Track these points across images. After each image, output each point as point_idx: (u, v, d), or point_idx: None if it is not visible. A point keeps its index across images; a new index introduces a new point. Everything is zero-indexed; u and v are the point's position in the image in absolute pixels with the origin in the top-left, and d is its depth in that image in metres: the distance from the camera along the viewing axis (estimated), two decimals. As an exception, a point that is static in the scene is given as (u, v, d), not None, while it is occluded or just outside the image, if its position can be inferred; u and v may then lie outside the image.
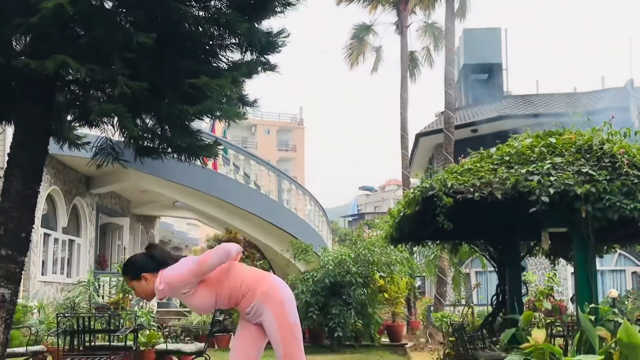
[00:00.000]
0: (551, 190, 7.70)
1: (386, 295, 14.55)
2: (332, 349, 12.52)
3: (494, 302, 12.13)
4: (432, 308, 21.91)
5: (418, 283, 23.64)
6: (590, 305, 7.33)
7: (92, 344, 8.90)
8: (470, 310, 13.39)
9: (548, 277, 13.61)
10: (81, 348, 8.69)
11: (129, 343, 9.37)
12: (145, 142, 6.87)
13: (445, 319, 13.68)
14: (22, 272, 5.70)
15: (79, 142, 7.50)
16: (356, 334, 12.99)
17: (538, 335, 7.16)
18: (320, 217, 20.36)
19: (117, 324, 9.73)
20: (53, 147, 6.97)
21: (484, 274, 22.34)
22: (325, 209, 21.37)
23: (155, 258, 4.28)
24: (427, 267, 20.37)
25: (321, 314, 12.54)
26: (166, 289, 4.17)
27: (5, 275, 5.52)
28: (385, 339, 14.58)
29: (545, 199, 7.68)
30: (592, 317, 7.17)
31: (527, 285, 13.05)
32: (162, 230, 30.52)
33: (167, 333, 13.91)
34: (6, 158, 5.83)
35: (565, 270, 21.13)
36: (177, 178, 16.52)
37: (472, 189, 8.15)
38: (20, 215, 5.66)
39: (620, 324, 6.82)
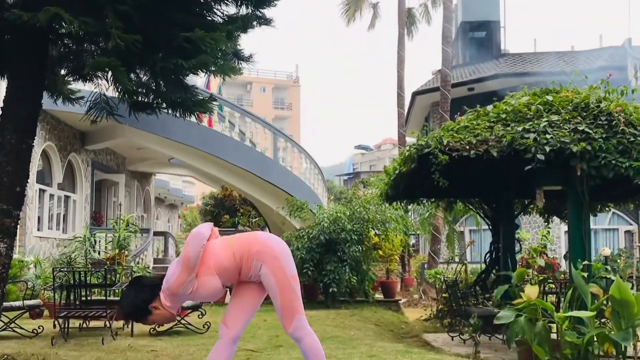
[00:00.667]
0: (547, 148, 7.71)
1: (380, 252, 14.65)
2: (327, 304, 12.64)
3: (488, 260, 12.24)
4: (425, 265, 22.09)
5: (412, 241, 23.78)
6: (583, 263, 7.39)
7: (89, 298, 8.94)
8: (464, 267, 13.51)
9: (542, 235, 13.70)
10: (77, 302, 8.73)
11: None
12: (140, 97, 6.80)
13: (438, 276, 13.80)
14: (18, 226, 5.69)
15: (73, 97, 7.42)
16: (350, 290, 13.10)
17: (531, 291, 7.22)
18: (316, 175, 20.37)
19: (113, 279, 9.79)
20: (47, 103, 6.91)
21: (478, 232, 22.44)
22: (320, 168, 21.38)
23: (146, 285, 4.29)
24: (422, 225, 20.47)
25: (316, 270, 12.63)
26: (175, 300, 4.17)
27: (0, 229, 5.51)
28: (379, 295, 14.72)
29: (541, 156, 7.69)
30: (585, 274, 7.23)
31: (521, 243, 13.14)
32: (157, 188, 30.48)
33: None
34: (-1, 112, 5.79)
35: (559, 229, 21.27)
36: (173, 135, 16.46)
37: (467, 147, 8.15)
38: (14, 169, 5.62)
39: (613, 281, 6.88)
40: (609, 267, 8.61)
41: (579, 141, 7.68)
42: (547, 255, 14.00)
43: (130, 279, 11.40)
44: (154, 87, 6.67)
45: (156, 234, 21.36)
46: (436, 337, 10.57)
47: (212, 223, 4.42)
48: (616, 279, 6.71)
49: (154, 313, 4.20)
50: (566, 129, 7.89)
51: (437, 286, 13.49)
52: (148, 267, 16.73)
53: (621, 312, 6.63)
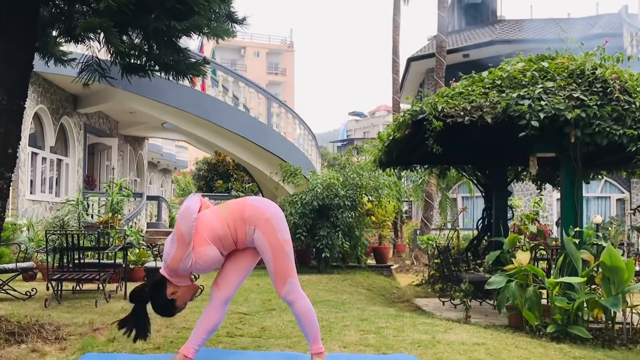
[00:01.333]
0: (541, 115, 7.69)
1: (373, 218, 14.68)
2: (319, 269, 12.70)
3: (480, 226, 12.30)
4: (418, 232, 22.20)
5: (405, 207, 23.83)
6: (575, 229, 7.42)
7: (82, 261, 8.93)
8: (456, 233, 13.57)
9: (534, 202, 13.74)
10: (70, 265, 8.74)
11: (119, 261, 9.46)
12: (132, 60, 6.72)
13: (430, 242, 13.87)
14: (10, 189, 5.66)
15: (65, 59, 7.33)
16: (343, 255, 13.16)
17: (522, 257, 7.27)
18: (310, 142, 20.32)
19: (107, 242, 9.79)
20: (39, 65, 6.82)
21: (470, 199, 22.52)
22: (314, 134, 21.30)
23: (156, 274, 4.32)
24: (415, 191, 20.54)
25: (309, 235, 12.65)
26: (180, 275, 4.21)
27: (-8, 191, 5.49)
28: (371, 261, 14.79)
29: (535, 123, 7.68)
30: (576, 241, 7.27)
31: (513, 210, 13.19)
32: (150, 152, 30.37)
33: (156, 252, 14.06)
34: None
35: (551, 197, 21.36)
36: (166, 99, 16.35)
37: (462, 113, 8.12)
38: (5, 130, 5.57)
39: (604, 248, 6.93)
40: (600, 234, 8.65)
41: (574, 108, 7.66)
42: (539, 222, 14.05)
43: (123, 243, 11.44)
44: (146, 49, 6.59)
45: (149, 198, 21.30)
46: (427, 301, 10.65)
47: (201, 194, 4.42)
48: (607, 245, 6.76)
49: (178, 297, 4.26)
50: (561, 96, 7.86)
51: (429, 252, 13.56)
52: (141, 231, 16.75)
53: (611, 279, 6.69)
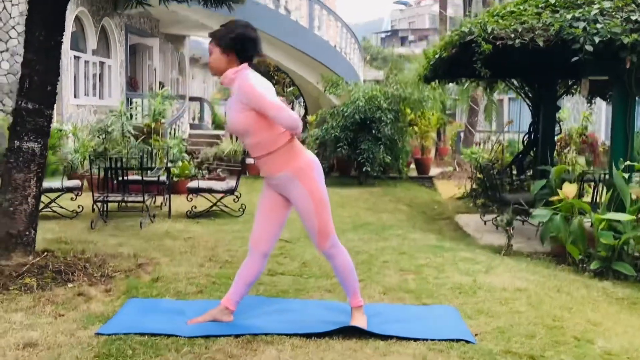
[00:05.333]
0: (596, 39, 7.31)
1: (416, 129, 14.48)
2: (360, 181, 12.70)
3: (525, 141, 12.05)
4: (462, 135, 21.92)
5: (449, 111, 23.29)
6: (625, 163, 7.18)
7: (126, 178, 9.02)
8: (500, 147, 13.33)
9: (584, 115, 13.33)
10: (115, 182, 8.86)
11: (162, 178, 9.56)
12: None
13: (474, 155, 13.67)
14: (50, 125, 5.65)
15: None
16: (384, 168, 13.09)
17: (569, 190, 7.10)
18: (352, 45, 19.83)
19: (150, 159, 9.87)
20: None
21: (516, 102, 22.00)
22: (356, 25, 20.73)
23: (251, 44, 4.08)
24: (460, 95, 20.08)
25: (350, 148, 12.56)
26: (234, 83, 4.01)
27: (33, 129, 5.46)
28: (413, 172, 14.72)
29: (589, 47, 7.31)
30: (626, 175, 7.05)
31: (561, 124, 12.83)
32: (191, 49, 30.11)
33: (198, 160, 14.20)
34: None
35: (600, 111, 20.69)
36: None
37: (512, 35, 7.77)
38: (44, 67, 5.49)
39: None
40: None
41: (631, 32, 7.24)
42: (586, 136, 13.70)
43: (166, 160, 11.54)
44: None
45: (192, 99, 21.34)
46: (468, 219, 10.58)
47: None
48: (658, 182, 6.56)
49: (216, 51, 4.06)
50: (618, 18, 7.43)
51: (471, 166, 13.38)
52: (184, 137, 16.88)
53: (660, 216, 6.53)
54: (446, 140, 23.27)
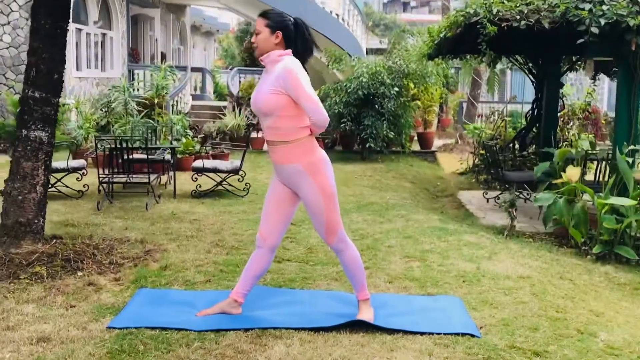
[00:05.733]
0: (602, 21, 7.30)
1: (419, 103, 14.46)
2: (363, 156, 12.73)
3: (529, 117, 12.04)
4: (464, 106, 21.87)
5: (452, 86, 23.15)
6: (629, 148, 7.21)
7: (131, 156, 9.02)
8: (503, 123, 13.32)
9: (587, 91, 13.30)
10: (119, 161, 8.86)
11: (167, 157, 9.59)
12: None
13: (477, 131, 13.67)
14: (57, 113, 5.67)
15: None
16: (387, 143, 13.11)
17: (572, 173, 7.14)
18: (355, 17, 19.68)
19: (154, 137, 9.87)
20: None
21: (519, 73, 21.89)
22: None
23: (298, 38, 4.12)
24: (463, 66, 19.99)
25: (353, 124, 12.56)
26: (276, 65, 4.04)
27: (41, 118, 5.48)
28: (415, 147, 14.73)
29: (595, 30, 7.31)
30: (630, 160, 7.08)
31: (564, 99, 12.81)
32: (192, 17, 29.88)
33: (202, 135, 14.21)
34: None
35: (602, 82, 20.61)
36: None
37: (518, 17, 7.76)
38: (50, 55, 5.49)
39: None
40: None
41: (637, 14, 7.23)
42: (589, 112, 13.69)
43: (170, 134, 11.56)
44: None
45: (193, 69, 21.24)
46: (471, 196, 10.64)
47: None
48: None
49: (266, 32, 4.09)
50: (624, 0, 7.40)
51: (474, 142, 13.39)
52: (186, 110, 16.87)
53: (663, 201, 6.57)
54: (448, 111, 23.22)
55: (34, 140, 5.50)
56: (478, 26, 7.81)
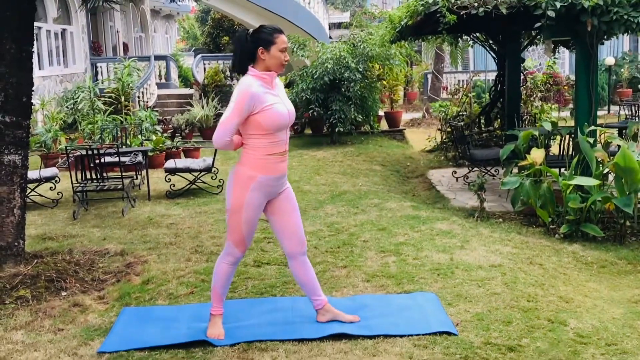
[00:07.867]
0: (558, 4, 7.46)
1: (385, 83, 14.59)
2: (333, 140, 12.88)
3: (492, 93, 12.27)
4: (429, 77, 22.05)
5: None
6: (589, 128, 7.43)
7: (103, 160, 9.03)
8: (468, 99, 13.53)
9: (548, 64, 13.56)
10: (92, 165, 8.88)
11: (139, 158, 9.63)
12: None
13: (442, 109, 13.87)
14: (29, 135, 5.71)
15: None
16: (356, 126, 13.27)
17: (536, 155, 7.35)
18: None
19: (124, 139, 9.88)
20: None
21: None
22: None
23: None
24: (426, 46, 20.17)
25: (321, 109, 12.67)
26: (276, 79, 4.23)
27: (13, 142, 5.52)
28: (384, 126, 14.90)
29: (551, 13, 7.48)
30: (591, 140, 7.30)
31: (526, 74, 13.03)
32: (151, 1, 29.53)
33: (171, 130, 14.21)
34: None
35: (564, 50, 20.91)
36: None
37: (476, 4, 7.90)
38: (18, 80, 5.51)
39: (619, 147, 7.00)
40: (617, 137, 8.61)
41: (591, -5, 7.40)
42: (551, 84, 13.95)
43: (140, 136, 11.56)
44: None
45: (157, 58, 21.11)
46: (440, 176, 10.85)
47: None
48: (622, 147, 6.82)
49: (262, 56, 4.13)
50: (579, -18, 7.56)
51: (441, 119, 13.60)
52: (153, 106, 16.83)
53: (625, 178, 6.81)
54: (413, 85, 23.40)
55: (7, 165, 5.54)
56: (437, 15, 7.94)
